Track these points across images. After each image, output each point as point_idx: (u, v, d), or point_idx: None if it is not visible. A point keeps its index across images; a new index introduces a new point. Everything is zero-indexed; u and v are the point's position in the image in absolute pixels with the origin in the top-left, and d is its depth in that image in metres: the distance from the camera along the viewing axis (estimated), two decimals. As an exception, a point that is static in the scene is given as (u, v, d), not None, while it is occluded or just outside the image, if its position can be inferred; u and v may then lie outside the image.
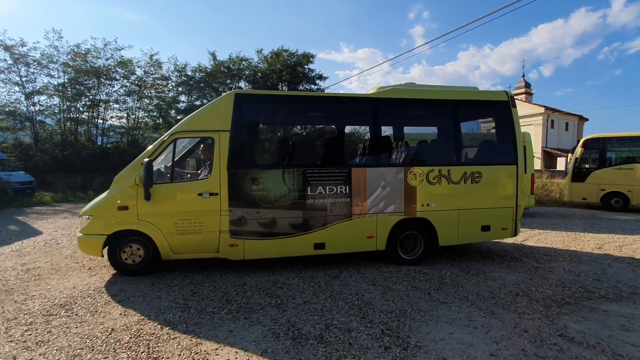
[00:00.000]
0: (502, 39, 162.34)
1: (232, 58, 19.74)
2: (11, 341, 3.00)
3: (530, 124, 32.75)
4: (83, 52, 17.87)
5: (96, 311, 3.64)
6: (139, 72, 19.45)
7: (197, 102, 19.39)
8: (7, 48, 16.82)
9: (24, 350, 2.86)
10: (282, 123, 6.78)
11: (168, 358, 2.76)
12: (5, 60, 17.01)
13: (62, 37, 17.84)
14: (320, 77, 19.75)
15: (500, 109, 5.74)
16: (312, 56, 19.90)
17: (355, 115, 6.25)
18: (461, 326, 3.30)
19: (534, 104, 37.26)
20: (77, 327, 3.27)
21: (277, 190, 4.94)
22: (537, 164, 24.71)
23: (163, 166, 5.09)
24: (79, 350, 2.86)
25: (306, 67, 19.31)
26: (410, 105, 5.69)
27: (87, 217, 4.73)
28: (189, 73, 19.59)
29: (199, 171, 5.46)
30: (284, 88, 19.61)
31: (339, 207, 5.09)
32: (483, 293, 4.19)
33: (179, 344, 2.99)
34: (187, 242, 4.83)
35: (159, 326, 3.30)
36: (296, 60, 19.21)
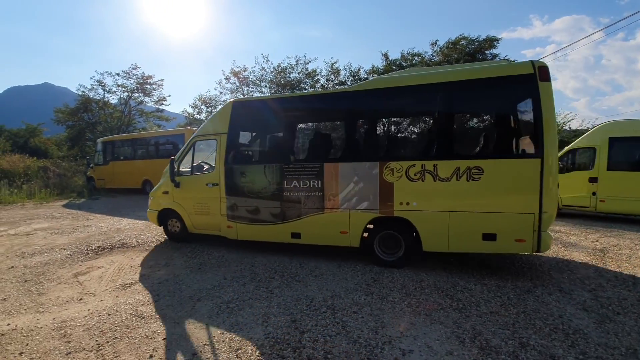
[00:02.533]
0: None
1: (404, 55, 19.84)
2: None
3: None
4: (281, 69, 21.97)
5: (300, 281, 4.47)
6: (322, 80, 22.32)
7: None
8: (235, 74, 22.56)
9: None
10: (273, 124, 6.54)
11: (355, 331, 3.12)
12: (234, 83, 22.87)
13: (268, 60, 22.55)
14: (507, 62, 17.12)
15: (521, 85, 4.39)
16: (497, 40, 17.57)
17: (333, 111, 5.98)
18: None
19: None
20: (290, 289, 4.13)
21: (260, 183, 5.62)
22: None
23: (189, 163, 6.36)
24: (293, 302, 3.62)
25: (488, 52, 17.20)
26: (392, 96, 5.09)
27: (150, 197, 6.80)
28: (363, 76, 20.94)
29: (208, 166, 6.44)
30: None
31: (312, 201, 5.29)
32: None
33: (366, 323, 3.32)
34: (201, 221, 6.27)
35: (348, 304, 3.75)
36: (476, 46, 17.42)
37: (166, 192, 6.59)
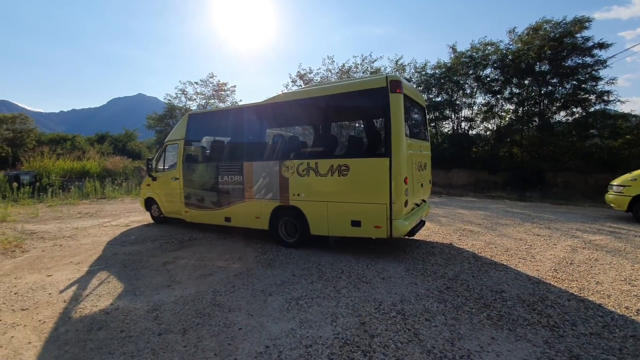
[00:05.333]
0: None
1: (474, 46, 18.38)
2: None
3: None
4: (347, 69, 21.97)
5: (367, 282, 4.40)
6: (386, 78, 21.75)
7: (438, 99, 19.45)
8: (300, 76, 23.18)
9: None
10: (214, 131, 7.86)
11: (428, 340, 2.95)
12: (300, 85, 23.50)
13: (334, 61, 22.70)
14: (601, 46, 14.79)
15: (377, 96, 5.15)
16: (588, 20, 15.26)
17: (250, 120, 6.81)
18: None
19: None
20: (357, 290, 4.08)
21: (204, 178, 7.14)
22: None
23: (163, 162, 8.17)
24: (361, 303, 3.57)
25: (578, 35, 15.03)
26: (286, 108, 6.23)
27: (141, 188, 8.91)
28: (429, 71, 19.95)
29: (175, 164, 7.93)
30: (543, 67, 16.26)
31: (237, 192, 6.59)
32: None
33: (440, 333, 3.12)
34: (171, 207, 8.09)
35: (420, 310, 3.57)
36: (563, 30, 15.36)
37: (148, 185, 8.60)
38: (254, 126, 6.97)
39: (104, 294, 4.25)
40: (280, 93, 6.66)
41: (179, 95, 27.19)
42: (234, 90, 27.83)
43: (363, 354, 2.81)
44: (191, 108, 28.39)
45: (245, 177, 6.46)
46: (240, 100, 28.45)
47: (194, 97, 27.24)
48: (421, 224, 6.00)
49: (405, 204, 5.01)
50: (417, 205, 5.91)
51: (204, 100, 27.13)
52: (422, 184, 5.93)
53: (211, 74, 28.40)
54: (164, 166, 8.24)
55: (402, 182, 4.88)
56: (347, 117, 7.17)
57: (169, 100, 27.23)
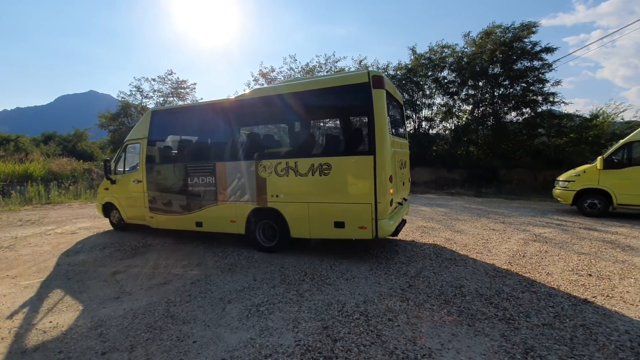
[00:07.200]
0: None
1: (432, 48, 19.04)
2: (279, 295, 3.98)
3: None
4: (310, 69, 21.88)
5: (331, 284, 4.31)
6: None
7: (400, 99, 19.89)
8: (263, 75, 22.77)
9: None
10: (181, 129, 7.30)
11: (391, 341, 2.91)
12: (262, 84, 23.08)
13: (296, 60, 22.51)
14: (548, 50, 15.90)
15: (359, 92, 4.91)
16: (535, 25, 16.32)
17: (222, 117, 6.30)
18: None
19: None
20: (320, 293, 3.98)
21: (171, 180, 6.56)
22: None
23: (122, 163, 7.42)
24: (324, 306, 3.47)
25: (526, 40, 16.03)
26: (262, 104, 5.80)
27: (98, 193, 8.09)
28: (391, 72, 20.37)
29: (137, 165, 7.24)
30: (495, 70, 17.17)
31: (208, 194, 6.10)
32: None
33: (402, 332, 3.09)
34: (132, 213, 7.38)
35: (382, 310, 3.54)
36: (512, 35, 16.31)
37: (107, 189, 7.82)
38: (227, 124, 6.40)
39: (43, 310, 3.82)
40: (255, 88, 6.25)
41: (134, 93, 25.73)
42: (194, 88, 26.83)
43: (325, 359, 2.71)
44: (148, 106, 26.94)
45: (218, 179, 6.00)
46: (202, 99, 27.42)
47: (151, 94, 25.91)
48: (403, 222, 5.86)
49: (391, 203, 4.89)
50: (400, 204, 5.82)
51: (162, 98, 25.87)
52: (403, 182, 5.89)
53: (170, 70, 27.29)
54: (124, 168, 7.48)
55: (387, 181, 4.73)
56: (327, 113, 6.63)
57: (122, 97, 25.66)
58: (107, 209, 8.04)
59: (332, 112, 6.44)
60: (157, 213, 6.85)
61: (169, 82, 25.71)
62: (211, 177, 6.07)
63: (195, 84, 26.66)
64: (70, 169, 18.47)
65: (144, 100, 26.07)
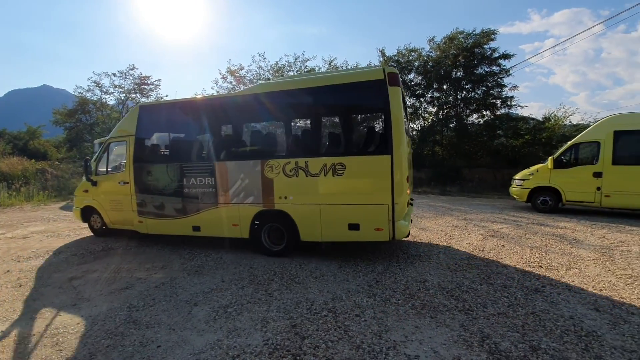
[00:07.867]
0: None
1: (400, 51, 19.60)
2: (248, 295, 3.95)
3: None
4: (279, 67, 21.76)
5: (300, 283, 4.34)
6: (320, 78, 22.07)
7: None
8: (231, 72, 22.36)
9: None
10: (175, 126, 6.87)
11: (358, 336, 2.99)
12: (231, 82, 22.68)
13: (265, 59, 22.31)
14: (506, 57, 16.89)
15: (374, 90, 4.79)
16: (494, 33, 17.29)
17: (224, 113, 6.05)
18: None
19: None
20: (289, 292, 4.00)
21: (164, 181, 6.02)
22: None
23: (105, 163, 6.78)
24: (292, 305, 3.49)
25: (486, 46, 16.95)
26: (270, 99, 5.39)
27: (75, 196, 7.36)
28: (362, 73, 20.71)
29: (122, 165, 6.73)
30: (458, 74, 17.98)
31: (207, 196, 5.68)
32: None
33: (369, 327, 3.19)
34: (117, 217, 6.73)
35: (350, 306, 3.62)
36: (474, 41, 17.17)
37: (86, 191, 7.10)
38: (228, 121, 6.04)
39: (-12, 321, 3.55)
40: (260, 83, 5.81)
41: (92, 88, 24.35)
42: (159, 85, 25.85)
43: (293, 357, 2.74)
44: (108, 102, 25.62)
45: (219, 179, 5.58)
46: (167, 96, 26.42)
47: (112, 90, 24.66)
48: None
49: (407, 204, 4.74)
50: (410, 204, 5.73)
51: (124, 94, 24.69)
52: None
53: (132, 65, 25.97)
54: (106, 168, 6.81)
55: (404, 181, 4.62)
56: (338, 111, 6.13)
57: (80, 93, 24.22)
58: (86, 214, 7.22)
59: (344, 110, 6.03)
60: (147, 217, 6.27)
61: (131, 77, 24.60)
62: (210, 177, 5.64)
63: (159, 80, 25.73)
64: (22, 168, 17.14)
65: (103, 96, 24.78)
